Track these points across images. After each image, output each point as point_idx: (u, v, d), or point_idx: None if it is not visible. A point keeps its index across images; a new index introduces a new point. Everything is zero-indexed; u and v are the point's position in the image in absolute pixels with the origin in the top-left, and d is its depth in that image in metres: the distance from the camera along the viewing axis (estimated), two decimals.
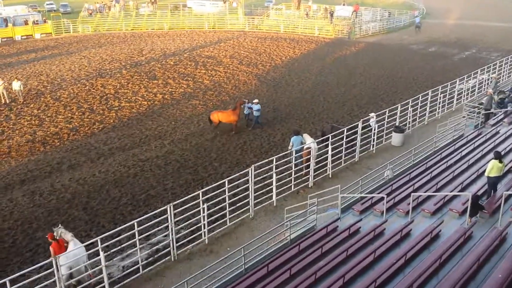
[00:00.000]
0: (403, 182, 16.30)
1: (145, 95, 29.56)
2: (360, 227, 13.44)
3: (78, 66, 36.82)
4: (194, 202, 14.23)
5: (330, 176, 18.73)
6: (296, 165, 18.07)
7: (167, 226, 13.37)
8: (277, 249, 13.10)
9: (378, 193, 15.25)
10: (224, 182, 15.02)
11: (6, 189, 18.04)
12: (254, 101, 23.78)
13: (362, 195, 15.59)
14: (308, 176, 18.02)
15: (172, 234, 13.40)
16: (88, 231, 15.10)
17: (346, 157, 19.62)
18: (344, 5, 61.40)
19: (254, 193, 15.82)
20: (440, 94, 24.62)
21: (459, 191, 14.59)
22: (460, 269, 10.00)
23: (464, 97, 27.02)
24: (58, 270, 10.97)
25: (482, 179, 15.09)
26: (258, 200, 16.26)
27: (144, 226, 13.03)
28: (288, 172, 17.43)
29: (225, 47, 43.97)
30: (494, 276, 9.71)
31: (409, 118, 22.86)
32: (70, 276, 11.68)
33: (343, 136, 19.02)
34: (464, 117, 22.75)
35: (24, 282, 10.91)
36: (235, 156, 20.48)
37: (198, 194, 14.22)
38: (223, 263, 12.26)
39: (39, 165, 20.00)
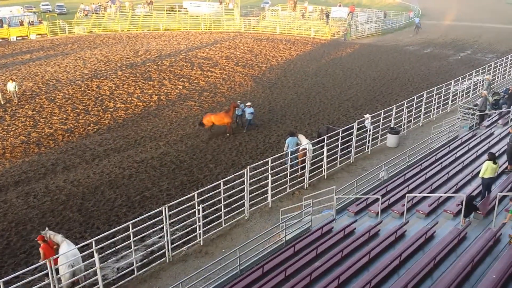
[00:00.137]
0: (398, 183, 16.36)
1: (140, 96, 29.51)
2: (355, 228, 13.47)
3: (73, 67, 36.72)
4: (189, 204, 14.19)
5: (326, 177, 18.75)
6: (291, 166, 18.08)
7: (162, 227, 13.34)
8: (273, 250, 13.10)
9: (373, 194, 15.28)
10: (220, 183, 14.99)
11: (0, 191, 17.96)
12: (247, 104, 23.72)
13: (357, 196, 15.61)
14: (303, 177, 18.03)
15: (167, 236, 13.37)
16: (83, 233, 15.04)
17: (342, 158, 19.66)
18: (340, 6, 61.56)
19: (250, 194, 15.81)
20: (435, 96, 24.71)
21: (453, 192, 14.64)
22: (455, 270, 10.04)
23: (459, 98, 27.12)
24: (52, 273, 10.91)
25: (477, 180, 15.17)
26: (254, 201, 16.25)
27: (139, 227, 12.99)
28: (284, 173, 17.44)
29: (221, 48, 43.96)
30: (488, 277, 9.76)
31: (404, 120, 22.93)
32: (73, 274, 11.64)
33: (339, 138, 19.05)
34: (459, 118, 22.85)
35: (18, 284, 10.83)
36: (230, 158, 20.47)
37: (194, 195, 14.18)
38: (218, 264, 12.25)
39: (34, 166, 19.92)
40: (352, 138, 19.72)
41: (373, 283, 10.01)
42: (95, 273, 11.88)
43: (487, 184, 13.93)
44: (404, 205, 13.79)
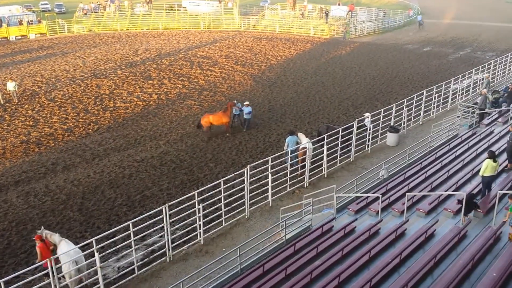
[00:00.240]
0: (398, 181, 16.37)
1: (140, 96, 29.50)
2: (355, 227, 13.48)
3: (73, 66, 36.69)
4: (189, 203, 14.21)
5: (326, 176, 18.76)
6: (291, 165, 18.08)
7: (163, 226, 13.36)
8: (273, 249, 13.11)
9: (373, 193, 15.29)
10: (220, 182, 15.00)
11: (1, 191, 17.96)
12: (245, 103, 23.67)
13: (357, 195, 15.63)
14: (303, 176, 18.04)
15: (167, 235, 13.38)
16: (83, 232, 15.05)
17: (342, 157, 19.66)
18: (339, 5, 61.50)
19: (250, 193, 15.82)
20: (435, 94, 24.72)
21: (453, 191, 14.65)
22: (455, 268, 10.05)
23: (458, 96, 27.12)
24: (53, 272, 10.92)
25: (477, 179, 15.17)
26: (254, 200, 16.26)
27: (139, 227, 13.00)
28: (284, 172, 17.44)
29: (220, 47, 43.93)
30: (488, 275, 9.78)
31: (404, 118, 22.93)
32: (78, 271, 11.68)
33: (339, 136, 19.05)
34: (458, 116, 22.84)
35: (19, 283, 10.86)
36: (230, 157, 20.48)
37: (194, 194, 14.19)
38: (218, 263, 12.27)
39: (34, 166, 19.92)
40: (352, 137, 19.72)
41: (374, 281, 10.02)
42: (95, 273, 11.91)
43: (487, 182, 13.94)
44: (404, 203, 13.81)
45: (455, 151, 18.32)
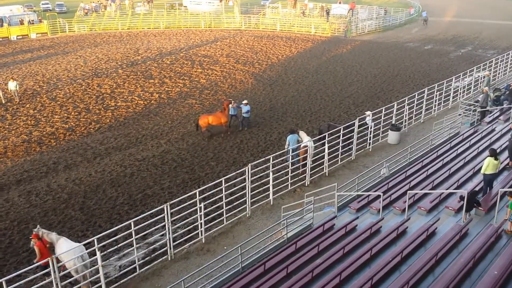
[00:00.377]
0: (400, 180, 16.35)
1: (141, 95, 29.51)
2: (356, 225, 13.48)
3: (74, 65, 36.72)
4: (191, 201, 14.22)
5: (327, 174, 18.76)
6: (292, 164, 18.07)
7: (164, 225, 13.36)
8: (274, 248, 13.11)
9: (375, 191, 15.29)
10: (221, 181, 15.01)
11: (2, 190, 17.98)
12: (243, 102, 23.64)
13: (359, 193, 15.62)
14: (304, 175, 18.03)
15: (169, 234, 13.38)
16: (85, 231, 15.07)
17: (343, 156, 19.64)
18: (340, 3, 61.44)
19: (251, 192, 15.82)
20: (436, 92, 24.68)
21: (455, 189, 14.64)
22: (456, 266, 10.05)
23: (460, 94, 27.07)
24: (55, 271, 10.94)
25: (478, 177, 15.16)
26: (255, 199, 16.26)
27: (140, 225, 13.01)
28: (285, 170, 17.44)
29: (221, 46, 43.92)
30: (489, 273, 9.77)
31: (405, 116, 22.90)
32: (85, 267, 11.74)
33: (340, 135, 19.04)
34: (460, 114, 22.80)
35: (21, 282, 10.90)
36: (231, 155, 20.48)
37: (195, 193, 14.20)
38: (220, 262, 12.27)
39: (35, 165, 19.95)
40: (353, 135, 19.71)
41: (375, 279, 10.02)
42: (97, 271, 11.92)
43: (489, 180, 13.93)
44: (405, 201, 13.79)
45: (457, 149, 18.31)
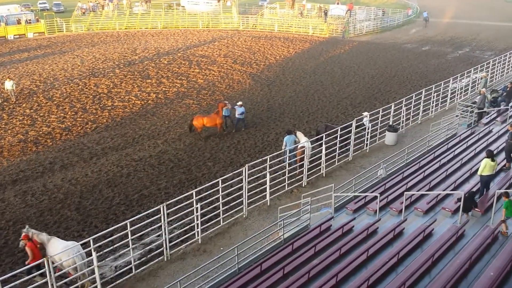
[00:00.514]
0: (396, 181, 16.35)
1: (138, 95, 29.45)
2: (353, 226, 13.47)
3: (71, 65, 36.62)
4: (187, 202, 14.19)
5: (324, 175, 18.74)
6: (289, 164, 18.05)
7: (160, 226, 13.30)
8: (271, 249, 13.09)
9: (372, 192, 15.28)
10: (218, 181, 14.98)
11: None
12: (238, 103, 23.55)
13: (356, 194, 15.61)
14: (301, 175, 18.01)
15: (165, 234, 13.34)
16: (81, 231, 15.00)
17: (340, 156, 19.64)
18: (338, 4, 61.50)
19: (248, 192, 15.78)
20: (434, 93, 24.70)
21: (452, 190, 14.64)
22: (453, 268, 10.05)
23: (457, 96, 27.11)
24: (50, 272, 10.88)
25: (475, 178, 15.16)
26: (252, 199, 16.23)
27: (137, 226, 12.97)
28: (282, 171, 17.41)
29: (219, 46, 43.89)
30: (486, 274, 9.78)
31: (403, 117, 22.90)
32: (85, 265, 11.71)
33: (337, 135, 19.03)
34: (457, 116, 22.83)
35: (16, 282, 10.85)
36: (228, 156, 20.44)
37: (192, 193, 14.17)
38: (216, 262, 12.23)
39: (31, 165, 19.87)
40: (351, 136, 19.70)
41: (371, 280, 10.00)
42: (93, 272, 11.85)
43: (486, 181, 13.94)
44: (402, 203, 13.79)
45: (454, 150, 18.32)
